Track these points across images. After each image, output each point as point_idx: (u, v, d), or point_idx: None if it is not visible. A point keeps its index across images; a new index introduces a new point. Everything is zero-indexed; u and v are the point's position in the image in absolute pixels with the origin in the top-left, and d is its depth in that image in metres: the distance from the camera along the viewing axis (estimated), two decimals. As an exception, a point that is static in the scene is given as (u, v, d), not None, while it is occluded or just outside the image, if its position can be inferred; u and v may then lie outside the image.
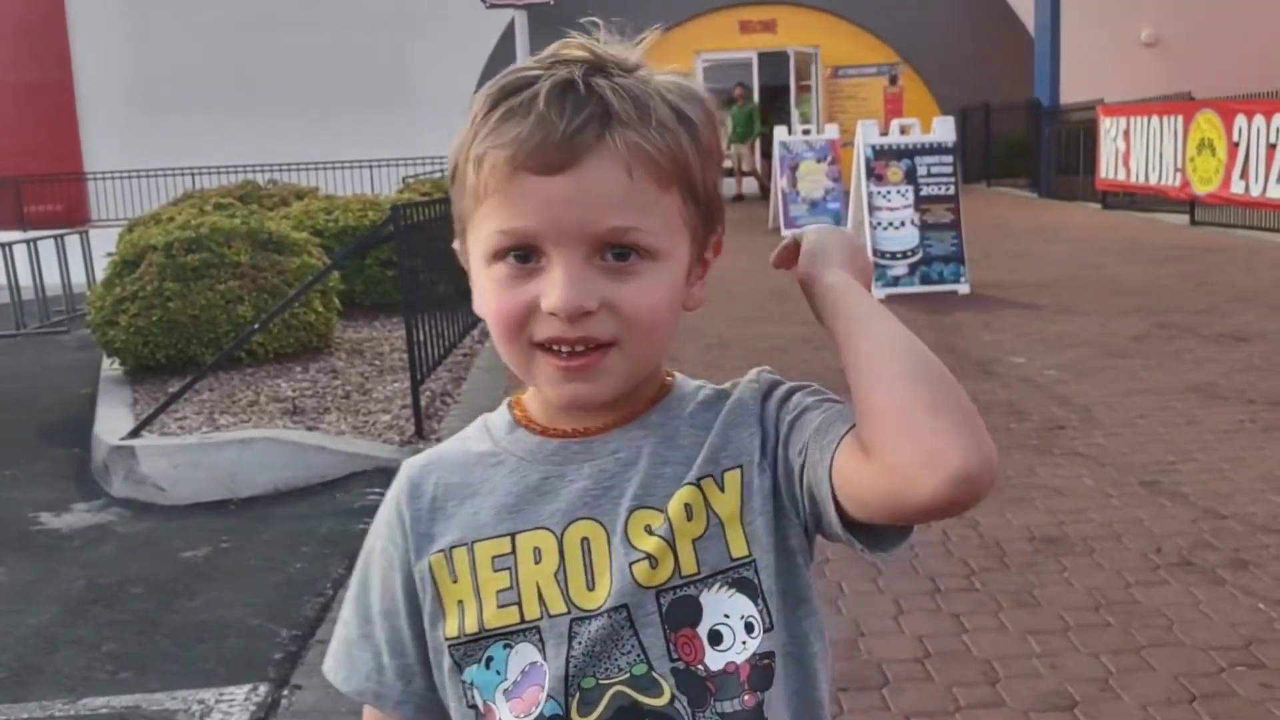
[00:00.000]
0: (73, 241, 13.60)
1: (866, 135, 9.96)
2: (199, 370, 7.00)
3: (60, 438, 7.20)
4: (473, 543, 1.04)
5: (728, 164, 21.70)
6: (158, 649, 4.08)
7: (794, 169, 14.16)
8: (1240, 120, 12.66)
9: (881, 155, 9.89)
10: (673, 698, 0.99)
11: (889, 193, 9.79)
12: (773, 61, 22.27)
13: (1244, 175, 12.57)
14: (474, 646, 1.03)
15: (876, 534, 0.98)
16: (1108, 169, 16.14)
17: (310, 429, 6.35)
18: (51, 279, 12.87)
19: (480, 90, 1.01)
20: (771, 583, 1.02)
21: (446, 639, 1.04)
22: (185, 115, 20.79)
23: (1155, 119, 14.73)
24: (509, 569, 1.03)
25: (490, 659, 1.03)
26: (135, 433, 6.26)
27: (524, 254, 0.98)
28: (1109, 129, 16.06)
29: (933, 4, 22.01)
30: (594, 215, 0.96)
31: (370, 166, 19.59)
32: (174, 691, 3.69)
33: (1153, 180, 14.84)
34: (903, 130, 10.22)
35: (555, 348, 0.98)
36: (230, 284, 7.72)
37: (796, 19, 22.04)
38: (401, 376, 7.11)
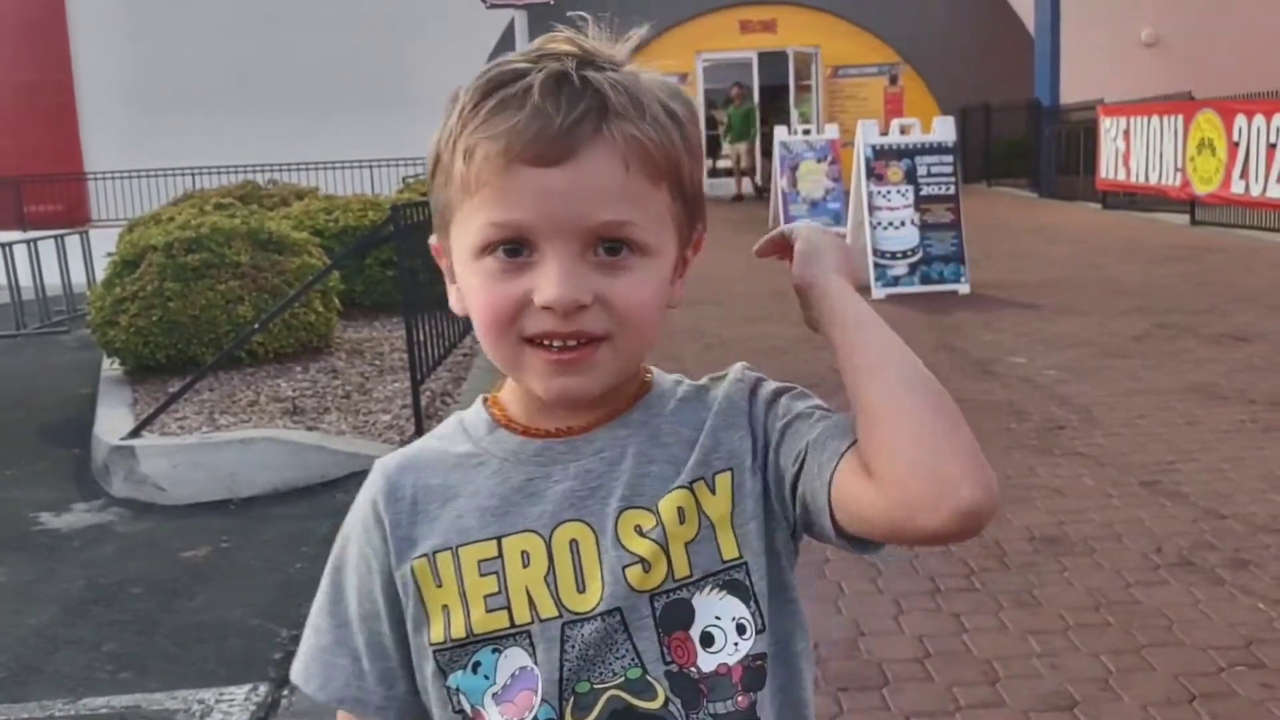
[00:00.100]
0: (73, 241, 13.60)
1: (866, 135, 9.96)
2: (199, 370, 7.00)
3: (60, 438, 7.20)
4: (457, 547, 1.02)
5: (727, 164, 21.74)
6: (158, 649, 4.08)
7: (794, 169, 14.16)
8: (1240, 120, 12.66)
9: (881, 155, 9.89)
10: (667, 701, 0.99)
11: (889, 192, 9.79)
12: (773, 61, 22.28)
13: (1244, 175, 12.57)
14: (460, 652, 1.01)
15: (864, 539, 0.99)
16: (1108, 169, 16.14)
17: (310, 429, 6.35)
18: (52, 279, 12.87)
19: (465, 83, 0.99)
20: (763, 585, 1.02)
21: (432, 644, 1.02)
22: (185, 115, 20.79)
23: (1155, 119, 14.74)
24: (496, 573, 1.01)
25: (478, 664, 1.01)
26: (135, 433, 6.26)
27: (514, 247, 0.96)
28: (1109, 129, 16.06)
29: (933, 4, 22.01)
30: (589, 209, 0.94)
31: (370, 166, 19.60)
32: (174, 691, 3.69)
33: (1153, 180, 14.84)
34: (903, 130, 10.22)
35: (546, 342, 0.97)
36: (230, 284, 7.72)
37: (796, 19, 22.05)
38: (401, 376, 7.11)
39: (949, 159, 9.94)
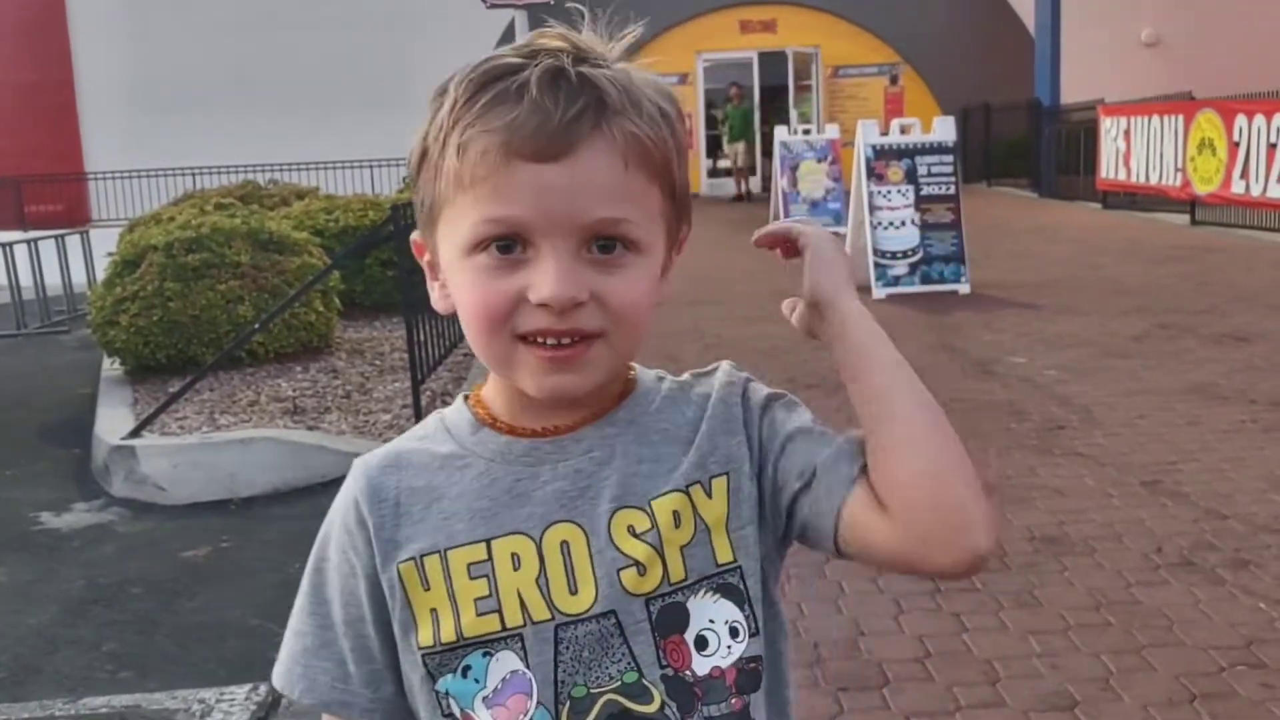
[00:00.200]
0: (73, 241, 13.61)
1: (867, 135, 9.96)
2: (199, 370, 7.00)
3: (60, 438, 7.21)
4: (445, 550, 1.00)
5: (726, 164, 21.74)
6: (158, 649, 4.08)
7: (794, 169, 14.15)
8: (1240, 120, 12.66)
9: (882, 155, 9.89)
10: (663, 704, 0.99)
11: (889, 192, 9.79)
12: (773, 61, 22.28)
13: (1244, 175, 12.57)
14: (450, 655, 1.00)
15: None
16: (1108, 169, 16.14)
17: (310, 429, 6.35)
18: (52, 279, 12.88)
19: (455, 77, 0.97)
20: (757, 589, 1.03)
21: (420, 648, 1.00)
22: (185, 115, 20.80)
23: (1156, 119, 14.73)
24: (486, 576, 0.99)
25: (468, 668, 1.00)
26: (135, 433, 6.26)
27: (508, 244, 0.94)
28: (1109, 129, 16.06)
29: (933, 4, 22.01)
30: (587, 205, 0.93)
31: (370, 166, 19.60)
32: (174, 691, 3.69)
33: (1153, 180, 14.84)
34: (903, 130, 10.22)
35: (541, 340, 0.96)
36: (230, 284, 7.73)
37: (796, 19, 22.06)
38: (402, 376, 7.10)
39: (949, 159, 9.94)
